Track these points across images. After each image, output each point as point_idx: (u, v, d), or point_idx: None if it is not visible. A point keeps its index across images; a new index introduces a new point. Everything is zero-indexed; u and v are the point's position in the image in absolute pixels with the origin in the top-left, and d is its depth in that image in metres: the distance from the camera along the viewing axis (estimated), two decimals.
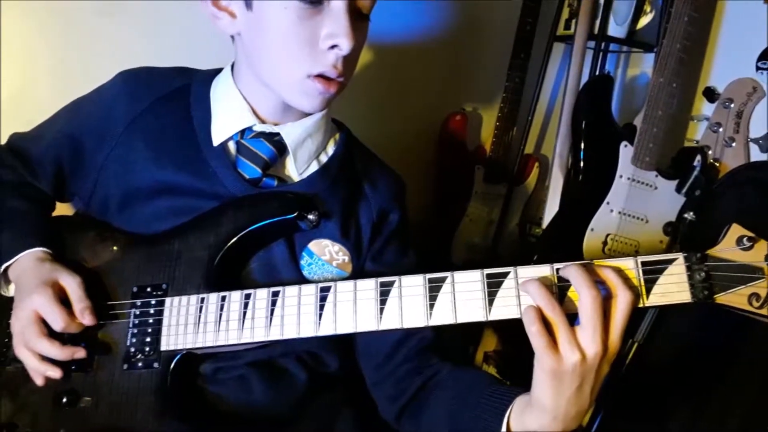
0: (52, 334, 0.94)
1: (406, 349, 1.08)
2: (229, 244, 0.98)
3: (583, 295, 0.76)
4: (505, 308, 0.82)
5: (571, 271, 0.78)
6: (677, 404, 1.55)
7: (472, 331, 2.20)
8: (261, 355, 1.02)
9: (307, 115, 1.05)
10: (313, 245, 1.05)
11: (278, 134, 1.04)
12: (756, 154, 1.70)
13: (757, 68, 1.67)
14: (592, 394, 0.80)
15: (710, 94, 1.78)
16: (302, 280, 1.03)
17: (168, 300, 0.97)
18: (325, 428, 1.11)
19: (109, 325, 0.98)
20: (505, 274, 0.82)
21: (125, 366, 0.96)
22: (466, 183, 2.15)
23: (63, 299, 0.95)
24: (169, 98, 1.08)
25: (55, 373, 0.94)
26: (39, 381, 0.95)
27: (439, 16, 1.99)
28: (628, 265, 0.79)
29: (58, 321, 0.92)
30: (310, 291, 0.91)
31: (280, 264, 1.03)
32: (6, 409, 0.99)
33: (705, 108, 1.83)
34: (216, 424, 1.01)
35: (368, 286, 0.88)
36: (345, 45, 0.92)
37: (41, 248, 1.00)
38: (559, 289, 0.80)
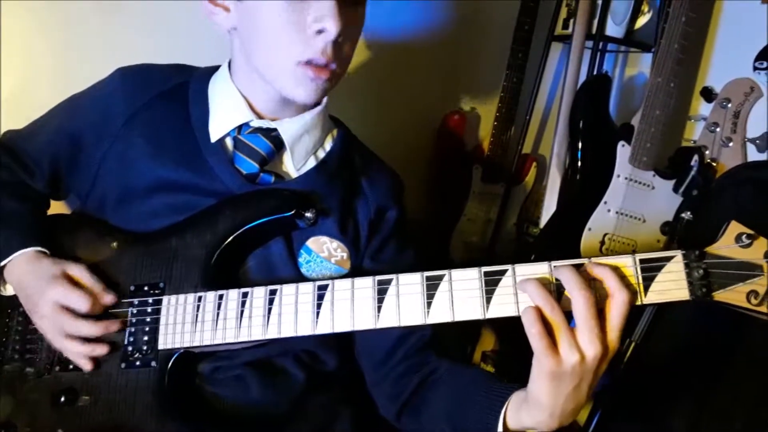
0: None
1: (405, 348, 1.08)
2: (226, 242, 0.98)
3: (575, 298, 0.76)
4: (502, 306, 0.82)
5: (563, 272, 0.78)
6: (675, 403, 1.55)
7: (470, 331, 2.20)
8: (259, 354, 1.02)
9: (304, 110, 1.05)
10: (311, 242, 1.05)
11: (275, 130, 1.04)
12: (753, 154, 1.71)
13: (755, 68, 1.67)
14: (589, 391, 0.80)
15: (708, 94, 1.78)
16: (300, 278, 1.03)
17: (165, 299, 0.97)
18: (323, 427, 1.10)
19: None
20: (502, 272, 0.82)
21: (123, 365, 0.96)
22: (464, 182, 2.15)
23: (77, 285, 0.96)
24: (167, 95, 1.08)
25: (102, 349, 0.95)
26: (88, 365, 0.96)
27: (437, 16, 1.99)
28: (627, 262, 0.79)
29: (84, 303, 0.94)
30: (307, 289, 0.91)
31: (278, 262, 1.03)
32: (4, 408, 0.99)
33: (702, 108, 1.83)
34: (214, 423, 1.00)
35: (366, 284, 0.88)
36: (332, 27, 0.91)
37: (36, 248, 1.00)
38: (556, 288, 0.80)
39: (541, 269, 0.81)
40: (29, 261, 0.99)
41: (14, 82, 1.42)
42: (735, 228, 0.77)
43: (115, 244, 1.03)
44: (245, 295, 0.93)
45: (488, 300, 0.82)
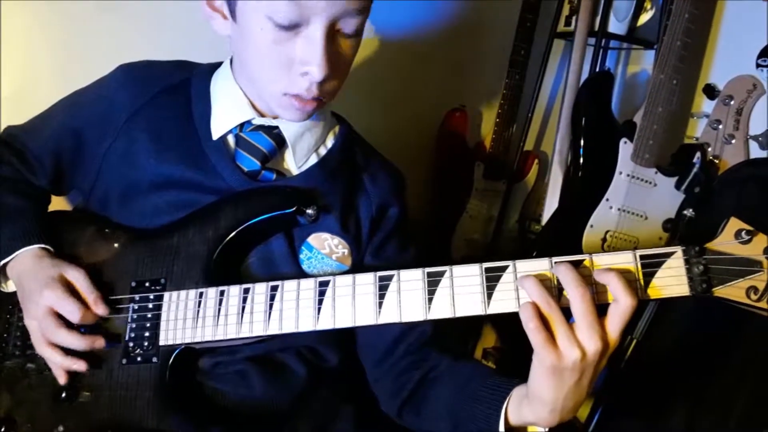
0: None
1: (406, 344, 1.08)
2: (227, 238, 0.98)
3: (571, 294, 0.76)
4: (503, 302, 0.82)
5: (560, 269, 0.78)
6: (676, 399, 1.55)
7: (471, 327, 2.20)
8: (260, 350, 1.02)
9: None
10: (313, 239, 1.05)
11: (277, 127, 1.04)
12: (755, 151, 1.70)
13: (757, 65, 1.67)
14: (589, 387, 0.80)
15: (710, 91, 1.78)
16: (301, 274, 1.03)
17: (166, 294, 0.97)
18: (324, 423, 1.11)
19: (108, 320, 0.98)
20: (503, 268, 0.82)
21: (124, 360, 0.96)
22: (465, 179, 2.15)
23: (72, 292, 0.95)
24: (169, 92, 1.08)
25: (81, 365, 0.94)
26: (62, 378, 0.95)
27: (439, 13, 1.99)
28: (627, 258, 0.79)
29: (75, 312, 0.93)
30: (308, 285, 0.91)
31: (279, 258, 1.03)
32: (5, 404, 0.99)
33: (705, 105, 1.83)
34: (215, 419, 1.00)
35: (367, 280, 0.88)
36: (317, 74, 0.91)
37: (39, 245, 1.00)
38: (558, 283, 0.80)
39: (542, 265, 0.81)
40: (31, 259, 0.99)
41: (14, 81, 1.42)
42: (734, 224, 0.77)
43: (116, 240, 1.03)
44: (246, 291, 0.93)
45: (489, 296, 0.82)
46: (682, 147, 1.79)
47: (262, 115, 1.05)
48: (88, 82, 1.13)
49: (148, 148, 1.04)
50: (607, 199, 1.72)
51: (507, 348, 2.16)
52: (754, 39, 1.69)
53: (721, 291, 0.76)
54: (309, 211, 0.99)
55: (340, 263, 1.07)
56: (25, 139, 1.11)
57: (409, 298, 0.85)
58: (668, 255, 0.78)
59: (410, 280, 0.86)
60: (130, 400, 0.95)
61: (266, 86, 0.98)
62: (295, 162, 1.07)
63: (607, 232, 1.73)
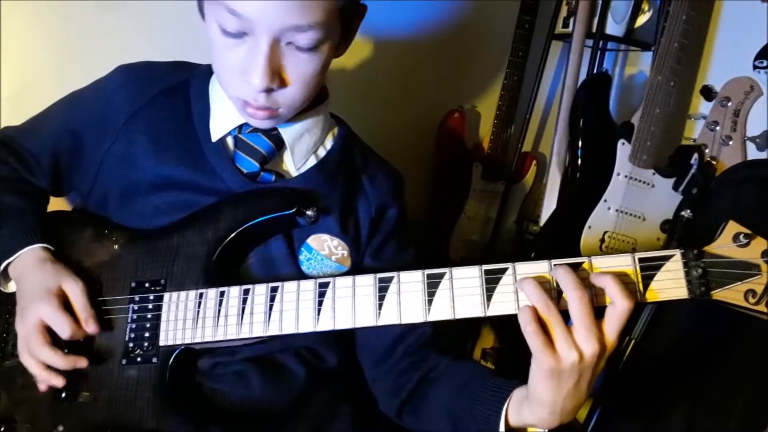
0: (53, 336, 0.94)
1: (405, 345, 1.08)
2: (227, 239, 0.99)
3: (570, 297, 0.77)
4: (503, 304, 0.82)
5: (559, 272, 0.79)
6: (675, 400, 1.56)
7: (469, 328, 2.20)
8: (259, 351, 1.02)
9: (305, 110, 1.05)
10: (312, 240, 1.05)
11: (276, 129, 1.04)
12: (753, 153, 1.71)
13: (755, 67, 1.68)
14: (588, 389, 0.80)
15: (708, 93, 1.78)
16: (300, 275, 1.03)
17: (166, 295, 0.97)
18: (323, 423, 1.11)
19: (108, 320, 0.98)
20: (503, 270, 0.83)
21: (124, 361, 0.96)
22: (464, 180, 2.15)
23: (66, 304, 0.95)
24: (169, 93, 1.08)
25: (59, 382, 0.94)
26: (42, 387, 0.96)
27: (437, 14, 1.99)
28: (626, 261, 0.80)
29: (65, 330, 0.92)
30: (308, 286, 0.91)
31: (279, 259, 1.03)
32: (4, 404, 0.99)
33: (702, 106, 1.83)
34: (214, 419, 1.00)
35: (367, 282, 0.88)
36: (257, 84, 0.90)
37: (41, 244, 1.00)
38: (557, 286, 0.80)
39: (541, 268, 0.82)
40: (33, 260, 0.98)
41: (14, 81, 1.42)
42: (733, 227, 0.78)
43: (116, 241, 1.03)
44: (246, 291, 0.94)
45: (489, 298, 0.83)
46: (679, 148, 1.79)
47: None
48: (88, 82, 1.13)
49: (147, 150, 1.04)
50: (605, 200, 1.72)
51: (506, 349, 2.16)
52: (752, 40, 1.69)
53: (719, 294, 0.77)
54: (308, 212, 0.99)
55: (339, 264, 1.07)
56: (23, 139, 1.11)
57: (408, 300, 0.86)
58: (667, 258, 0.78)
59: (410, 281, 0.86)
60: (129, 400, 0.95)
61: (225, 89, 1.00)
62: (294, 163, 1.07)
63: (605, 233, 1.73)
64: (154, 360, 0.95)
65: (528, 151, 2.27)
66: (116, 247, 1.03)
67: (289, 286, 0.92)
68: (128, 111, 1.06)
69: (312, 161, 1.09)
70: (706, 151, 1.73)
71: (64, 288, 0.96)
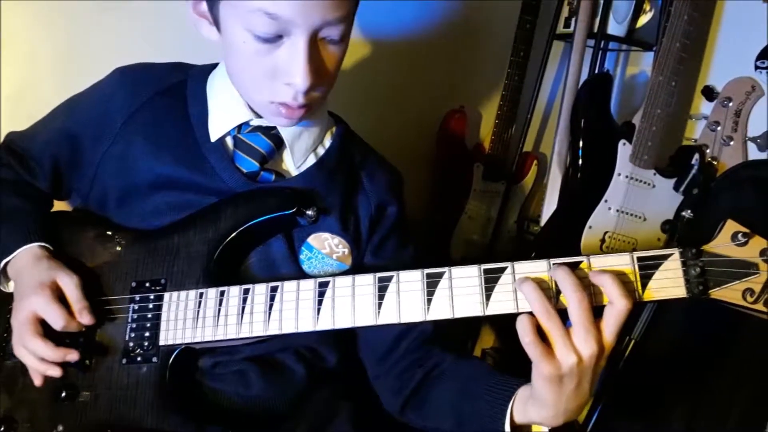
0: (52, 333, 0.94)
1: (408, 342, 1.08)
2: (228, 239, 0.99)
3: (569, 299, 0.77)
4: (502, 303, 0.82)
5: (558, 273, 0.79)
6: (675, 400, 1.56)
7: (469, 327, 2.20)
8: (259, 350, 1.03)
9: None
10: (313, 239, 1.05)
11: (275, 128, 1.04)
12: (754, 153, 1.71)
13: (756, 67, 1.68)
14: (591, 388, 0.81)
15: (709, 93, 1.78)
16: (301, 275, 1.03)
17: (167, 295, 0.98)
18: (323, 422, 1.11)
19: (108, 320, 0.98)
20: (502, 269, 0.83)
21: (124, 360, 0.96)
22: (465, 180, 2.15)
23: (62, 298, 0.95)
24: (165, 94, 1.08)
25: (54, 371, 0.94)
26: (37, 380, 0.96)
27: (439, 14, 1.99)
28: (625, 260, 0.80)
29: (58, 320, 0.92)
30: (308, 286, 0.91)
31: (279, 259, 1.03)
32: (4, 403, 0.99)
33: (703, 107, 1.83)
34: (214, 418, 1.01)
35: (366, 281, 0.88)
36: (301, 84, 0.91)
37: (39, 243, 1.00)
38: (556, 285, 0.80)
39: (540, 267, 0.82)
40: (30, 258, 0.99)
41: (14, 81, 1.42)
42: (731, 226, 0.78)
43: (116, 241, 1.03)
44: (246, 291, 0.94)
45: (488, 297, 0.83)
46: (680, 148, 1.79)
47: (259, 116, 1.05)
48: (89, 81, 1.13)
49: (145, 150, 1.05)
50: (606, 201, 1.72)
51: (506, 348, 2.16)
52: (753, 41, 1.70)
53: (717, 293, 0.77)
54: (309, 212, 1.00)
55: (340, 262, 1.07)
56: (25, 144, 1.12)
57: (408, 299, 0.86)
58: (665, 257, 0.79)
59: (409, 281, 0.86)
60: (129, 399, 0.95)
61: (252, 95, 1.00)
62: (294, 162, 1.08)
63: (605, 233, 1.73)
64: (154, 359, 0.95)
65: (529, 151, 2.27)
66: (116, 247, 1.03)
67: (289, 286, 0.92)
68: (126, 113, 1.07)
69: (311, 160, 1.09)
70: (707, 151, 1.73)
71: (58, 282, 0.96)
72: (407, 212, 1.17)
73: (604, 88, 1.80)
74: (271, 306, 0.92)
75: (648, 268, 0.79)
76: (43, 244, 1.00)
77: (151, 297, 0.98)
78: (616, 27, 1.99)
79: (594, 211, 1.72)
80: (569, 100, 1.96)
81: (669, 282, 0.78)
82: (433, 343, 1.08)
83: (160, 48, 1.41)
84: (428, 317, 0.85)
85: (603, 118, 1.77)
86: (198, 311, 0.95)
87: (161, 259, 1.00)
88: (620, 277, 0.78)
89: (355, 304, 0.88)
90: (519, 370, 0.87)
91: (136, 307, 0.98)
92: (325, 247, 1.06)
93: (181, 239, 1.01)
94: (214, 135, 1.04)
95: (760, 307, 0.75)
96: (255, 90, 0.98)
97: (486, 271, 0.83)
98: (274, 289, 0.93)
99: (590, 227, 1.73)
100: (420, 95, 2.06)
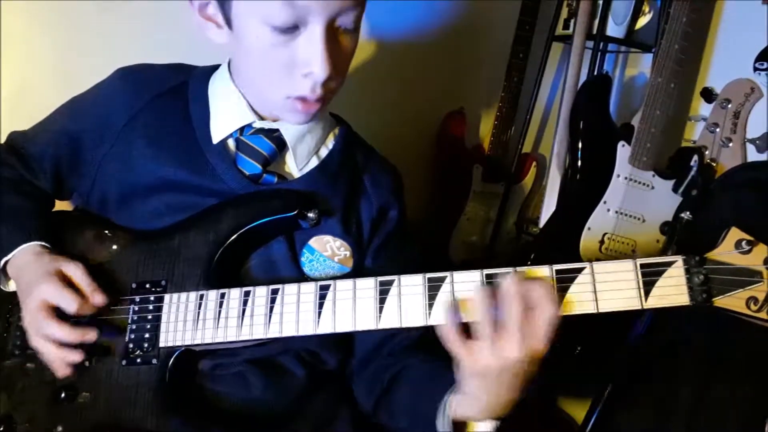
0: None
1: (391, 346, 1.09)
2: (229, 241, 0.99)
3: (505, 306, 0.78)
4: None
5: (502, 282, 0.80)
6: (673, 402, 1.56)
7: None
8: (259, 353, 1.02)
9: None
10: (314, 241, 1.05)
11: (277, 130, 1.04)
12: (753, 155, 1.71)
13: (755, 69, 1.68)
14: (520, 388, 0.83)
15: (708, 95, 1.79)
16: (302, 277, 1.03)
17: (167, 296, 0.98)
18: (323, 425, 1.11)
19: (108, 321, 0.98)
20: (504, 275, 0.83)
21: (124, 362, 0.96)
22: (464, 182, 2.15)
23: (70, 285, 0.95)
24: (167, 95, 1.08)
25: (76, 356, 0.93)
26: (61, 371, 0.95)
27: (438, 15, 1.99)
28: (627, 267, 0.80)
29: (71, 303, 0.92)
30: (309, 289, 0.91)
31: (280, 261, 1.03)
32: (4, 403, 0.99)
33: (702, 108, 1.84)
34: (214, 421, 1.01)
35: (367, 285, 0.88)
36: (320, 72, 0.91)
37: (39, 242, 1.00)
38: (556, 285, 0.81)
39: (542, 272, 0.82)
40: (31, 255, 0.99)
41: (14, 81, 1.42)
42: (735, 234, 0.78)
43: (117, 241, 1.03)
44: (247, 294, 0.94)
45: None
46: (679, 150, 1.79)
47: (261, 118, 1.05)
48: (89, 81, 1.13)
49: (146, 152, 1.04)
50: (605, 202, 1.72)
51: None
52: (752, 42, 1.70)
53: (721, 301, 0.77)
54: (310, 214, 0.99)
55: (342, 265, 1.07)
56: (27, 144, 1.12)
57: (409, 303, 0.86)
58: (669, 264, 0.79)
59: (411, 285, 0.86)
60: (129, 401, 0.95)
61: (268, 91, 0.99)
62: (296, 165, 1.07)
63: (604, 234, 1.73)
64: (154, 361, 0.95)
65: (528, 153, 2.27)
66: (117, 247, 1.03)
67: (290, 289, 0.92)
68: (127, 114, 1.06)
69: (314, 162, 1.09)
70: (706, 152, 1.73)
71: (63, 270, 0.96)
72: (406, 211, 1.18)
73: (603, 90, 1.80)
74: (271, 309, 0.92)
75: (651, 275, 0.79)
76: (42, 242, 1.00)
77: (152, 298, 0.98)
78: (615, 28, 1.99)
79: (593, 213, 1.72)
80: (568, 101, 1.96)
81: (672, 290, 0.78)
82: (416, 348, 1.08)
83: (160, 48, 1.40)
84: (430, 321, 0.85)
85: (602, 120, 1.77)
86: (198, 313, 0.95)
87: (162, 261, 1.00)
88: (622, 283, 0.79)
89: (356, 307, 0.88)
90: None
91: (137, 308, 0.98)
92: (327, 249, 1.06)
93: (182, 241, 1.00)
94: (216, 137, 1.04)
95: (763, 315, 0.75)
96: (270, 86, 0.97)
97: (488, 276, 0.83)
98: (274, 292, 0.93)
99: (589, 228, 1.73)
100: (419, 96, 2.06)
